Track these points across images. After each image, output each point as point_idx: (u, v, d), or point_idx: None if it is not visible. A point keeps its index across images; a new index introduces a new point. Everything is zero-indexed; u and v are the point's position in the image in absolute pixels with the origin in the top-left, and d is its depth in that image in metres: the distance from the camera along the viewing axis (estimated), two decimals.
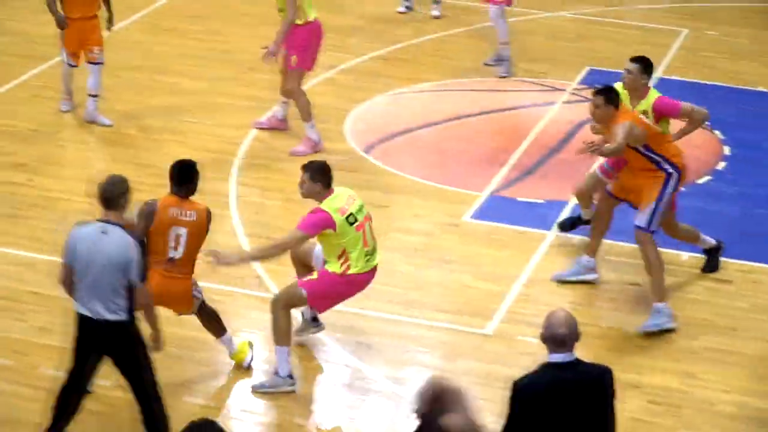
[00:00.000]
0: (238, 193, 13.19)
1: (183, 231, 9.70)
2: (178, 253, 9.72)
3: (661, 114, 11.32)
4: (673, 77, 16.43)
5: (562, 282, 11.67)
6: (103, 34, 14.56)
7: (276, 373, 10.10)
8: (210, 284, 10.83)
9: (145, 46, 16.72)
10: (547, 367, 7.30)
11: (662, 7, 19.27)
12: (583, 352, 7.46)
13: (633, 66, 11.37)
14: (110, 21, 14.74)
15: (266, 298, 10.67)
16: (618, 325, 11.14)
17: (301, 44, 13.88)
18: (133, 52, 16.43)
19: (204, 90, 15.52)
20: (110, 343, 8.76)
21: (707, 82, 16.43)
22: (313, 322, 10.71)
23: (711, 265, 12.00)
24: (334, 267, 9.92)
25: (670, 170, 11.00)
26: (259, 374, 10.29)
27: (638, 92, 11.39)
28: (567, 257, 12.10)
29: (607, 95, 10.86)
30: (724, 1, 18.54)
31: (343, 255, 9.89)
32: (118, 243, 8.56)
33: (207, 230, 9.83)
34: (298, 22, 13.82)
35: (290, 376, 10.07)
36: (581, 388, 7.30)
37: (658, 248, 11.08)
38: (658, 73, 16.37)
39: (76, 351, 8.83)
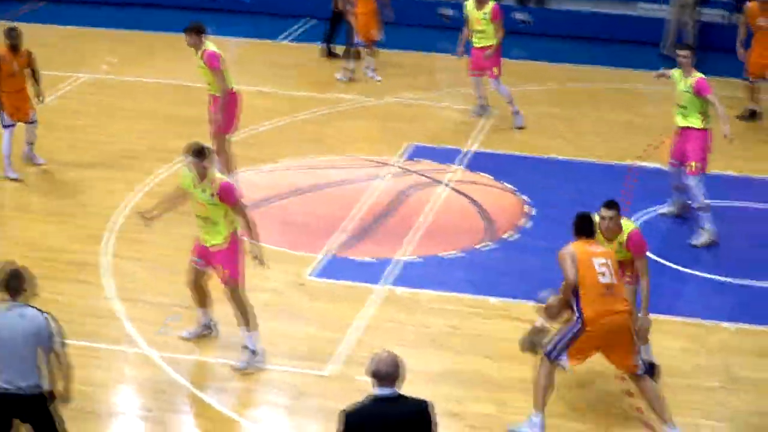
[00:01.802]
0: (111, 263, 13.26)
1: None
2: None
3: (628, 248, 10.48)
4: (483, 150, 16.83)
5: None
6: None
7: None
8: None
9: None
10: (372, 400, 7.46)
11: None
12: (411, 388, 7.69)
13: (610, 212, 10.43)
14: (39, 95, 15.59)
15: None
16: (443, 364, 11.30)
17: (223, 110, 14.42)
18: None
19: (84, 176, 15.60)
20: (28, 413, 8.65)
21: (511, 153, 16.76)
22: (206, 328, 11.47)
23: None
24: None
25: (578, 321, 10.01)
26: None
27: (616, 231, 10.50)
28: (396, 306, 12.33)
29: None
30: (521, 85, 19.15)
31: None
32: (31, 319, 8.48)
33: None
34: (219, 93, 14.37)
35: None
36: (404, 420, 7.48)
37: None
38: (471, 148, 16.90)
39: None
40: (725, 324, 12.19)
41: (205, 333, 11.60)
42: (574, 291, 9.97)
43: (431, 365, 11.26)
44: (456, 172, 16.03)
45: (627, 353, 10.05)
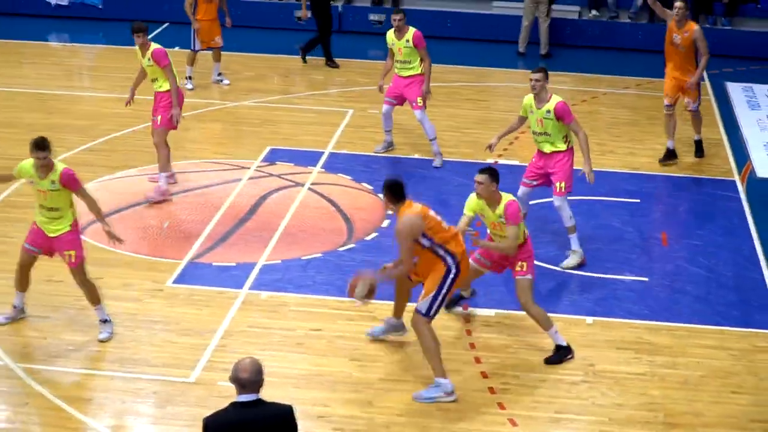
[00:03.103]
0: None
1: None
2: None
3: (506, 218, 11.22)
4: (343, 151, 17.02)
5: (375, 339, 11.82)
6: None
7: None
8: None
9: None
10: (233, 406, 7.54)
11: (331, 92, 20.01)
12: (276, 392, 7.77)
13: (482, 177, 11.23)
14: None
15: None
16: (308, 367, 11.43)
17: (166, 107, 14.79)
18: None
19: None
20: None
21: (368, 154, 16.94)
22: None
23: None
24: None
25: (452, 265, 10.81)
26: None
27: (493, 198, 11.32)
28: (259, 310, 12.45)
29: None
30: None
31: None
32: None
33: None
34: (165, 88, 14.73)
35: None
36: (266, 425, 7.56)
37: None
38: (328, 148, 17.08)
39: None
40: (585, 318, 12.58)
41: (20, 316, 12.05)
42: (432, 242, 10.73)
43: (296, 368, 11.38)
44: (315, 174, 16.20)
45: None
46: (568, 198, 13.62)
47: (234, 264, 13.52)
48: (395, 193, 10.79)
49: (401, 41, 16.29)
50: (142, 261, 13.50)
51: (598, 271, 13.63)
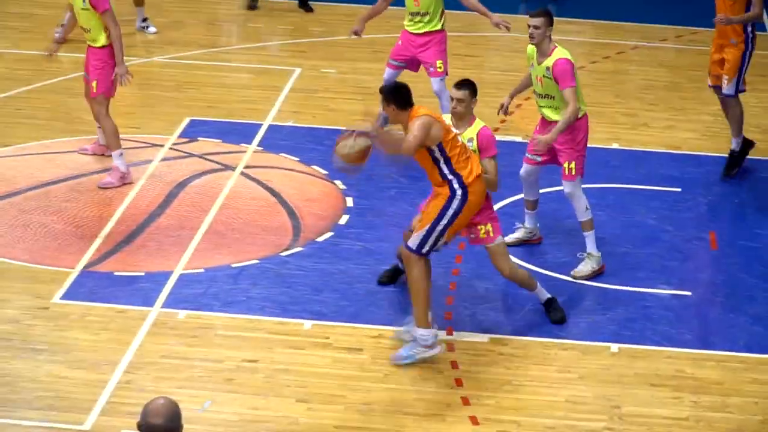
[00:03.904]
0: None
1: None
2: None
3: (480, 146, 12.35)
4: (287, 123, 17.13)
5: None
6: None
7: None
8: None
9: None
10: None
11: (271, 44, 20.05)
12: None
13: (462, 93, 12.45)
14: None
15: None
16: (240, 410, 11.41)
17: (105, 67, 15.21)
18: None
19: None
20: None
21: (321, 127, 17.12)
22: None
23: None
24: None
25: (459, 194, 11.80)
26: None
27: (467, 118, 12.50)
28: (176, 335, 12.48)
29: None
30: (337, 34, 19.42)
31: None
32: None
33: None
34: (101, 42, 15.20)
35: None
36: None
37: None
38: (268, 120, 17.14)
39: None
40: (608, 345, 12.68)
41: None
42: (448, 163, 11.70)
43: (224, 413, 11.41)
44: (250, 153, 16.29)
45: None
46: (584, 185, 13.72)
47: (142, 274, 13.59)
48: (403, 96, 11.67)
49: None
50: (21, 270, 13.55)
51: (624, 282, 13.76)
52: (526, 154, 13.90)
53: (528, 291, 12.85)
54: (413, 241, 11.80)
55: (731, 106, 16.09)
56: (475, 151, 12.30)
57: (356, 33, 16.61)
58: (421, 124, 11.48)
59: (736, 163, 16.20)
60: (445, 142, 11.67)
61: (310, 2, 21.45)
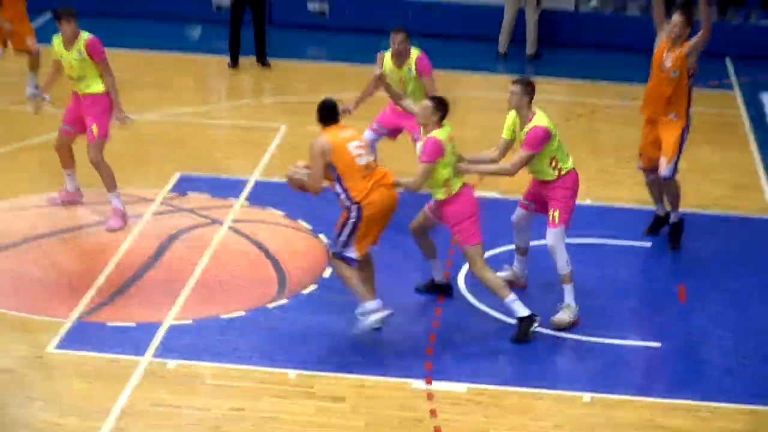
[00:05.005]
0: None
1: None
2: None
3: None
4: (273, 179, 17.19)
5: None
6: None
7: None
8: None
9: None
10: None
11: (259, 102, 20.15)
12: None
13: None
14: None
15: None
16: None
17: (103, 112, 15.59)
18: None
19: None
20: None
21: None
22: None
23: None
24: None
25: (353, 209, 12.93)
26: None
27: (431, 126, 13.29)
28: (166, 384, 12.51)
29: None
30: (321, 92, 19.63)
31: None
32: None
33: None
34: (96, 89, 15.54)
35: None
36: None
37: None
38: (255, 175, 17.25)
39: None
40: (581, 394, 12.76)
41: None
42: (339, 181, 12.94)
43: None
44: (238, 208, 16.42)
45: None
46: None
47: (133, 324, 13.65)
48: (320, 112, 13.15)
49: (402, 70, 16.35)
50: (17, 319, 13.62)
51: (598, 334, 13.83)
52: (521, 199, 14.18)
53: (500, 298, 13.44)
54: (331, 246, 13.21)
55: (670, 186, 15.59)
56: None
57: (347, 111, 16.28)
58: (313, 155, 12.93)
59: (680, 232, 15.94)
60: (335, 162, 12.90)
61: (268, 58, 21.60)
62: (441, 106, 13.27)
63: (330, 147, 12.87)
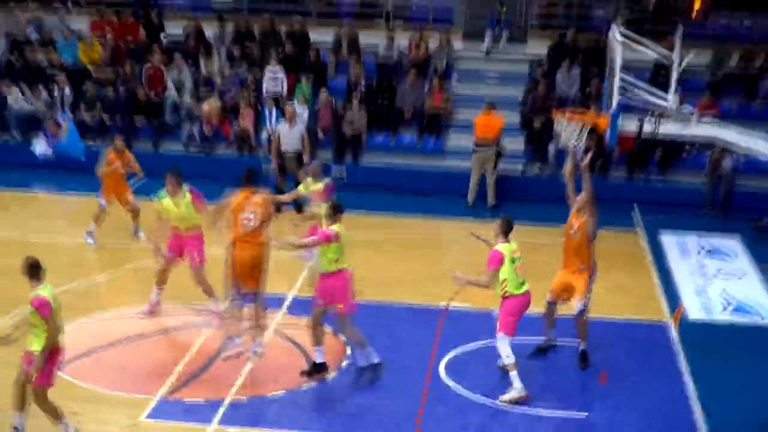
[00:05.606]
0: None
1: None
2: None
3: None
4: (301, 296, 16.81)
5: None
6: None
7: None
8: None
9: None
10: None
11: None
12: None
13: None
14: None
15: None
16: None
17: (201, 243, 16.16)
18: None
19: None
20: None
21: None
22: None
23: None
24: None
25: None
26: None
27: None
28: None
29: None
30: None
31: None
32: None
33: None
34: (198, 223, 15.83)
35: None
36: None
37: None
38: (292, 293, 17.30)
39: None
40: None
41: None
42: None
43: None
44: (280, 316, 16.53)
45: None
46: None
47: (203, 400, 13.70)
48: (245, 178, 14.35)
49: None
50: (116, 397, 13.69)
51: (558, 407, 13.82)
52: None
53: (313, 345, 14.10)
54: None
55: (578, 321, 14.79)
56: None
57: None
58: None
59: (587, 357, 15.02)
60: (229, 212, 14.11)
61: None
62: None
63: (230, 202, 14.26)
